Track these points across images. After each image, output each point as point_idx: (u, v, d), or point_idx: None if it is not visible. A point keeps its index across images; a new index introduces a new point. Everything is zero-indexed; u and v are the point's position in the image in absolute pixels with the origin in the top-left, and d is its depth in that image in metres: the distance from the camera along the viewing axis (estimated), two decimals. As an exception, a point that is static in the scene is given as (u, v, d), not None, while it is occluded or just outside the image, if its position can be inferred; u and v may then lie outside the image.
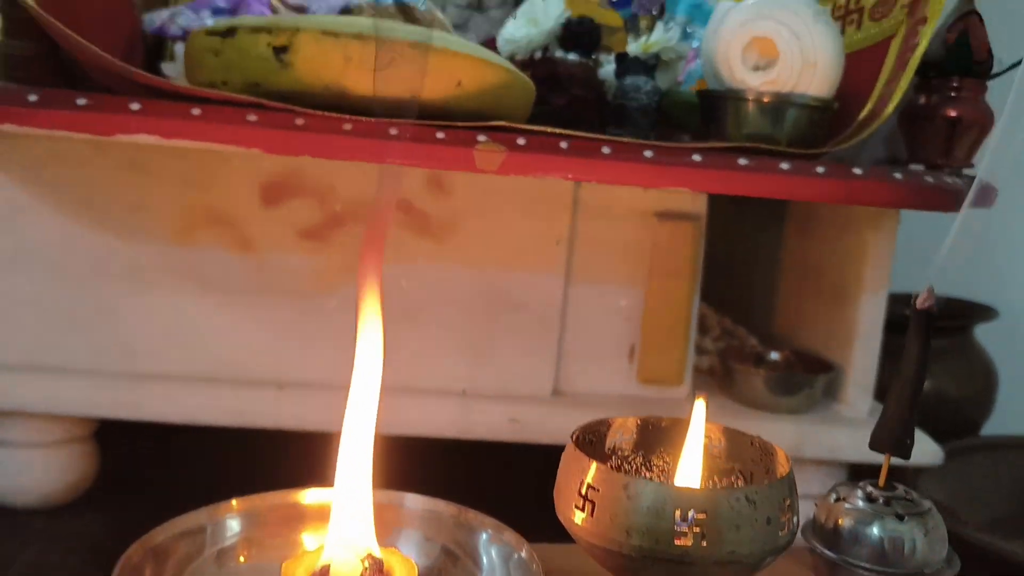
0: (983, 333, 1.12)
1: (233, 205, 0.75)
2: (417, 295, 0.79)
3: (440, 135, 0.60)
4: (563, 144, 0.62)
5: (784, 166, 0.63)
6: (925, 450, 0.83)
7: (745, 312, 1.08)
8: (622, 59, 0.76)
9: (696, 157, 0.62)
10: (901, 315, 1.06)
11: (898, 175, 0.64)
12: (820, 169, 0.63)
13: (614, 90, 0.73)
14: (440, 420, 0.78)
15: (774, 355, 0.92)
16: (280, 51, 0.60)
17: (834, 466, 0.84)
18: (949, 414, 1.08)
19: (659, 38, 0.77)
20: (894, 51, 0.72)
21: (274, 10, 0.81)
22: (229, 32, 0.61)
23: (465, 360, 0.80)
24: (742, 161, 0.62)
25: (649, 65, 0.75)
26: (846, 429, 0.83)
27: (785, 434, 0.82)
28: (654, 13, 1.02)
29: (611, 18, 0.89)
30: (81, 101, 0.58)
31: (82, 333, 0.76)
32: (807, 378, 0.84)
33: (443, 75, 0.61)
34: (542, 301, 0.80)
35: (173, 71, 0.76)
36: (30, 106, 0.57)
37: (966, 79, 0.76)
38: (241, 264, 0.76)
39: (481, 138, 0.60)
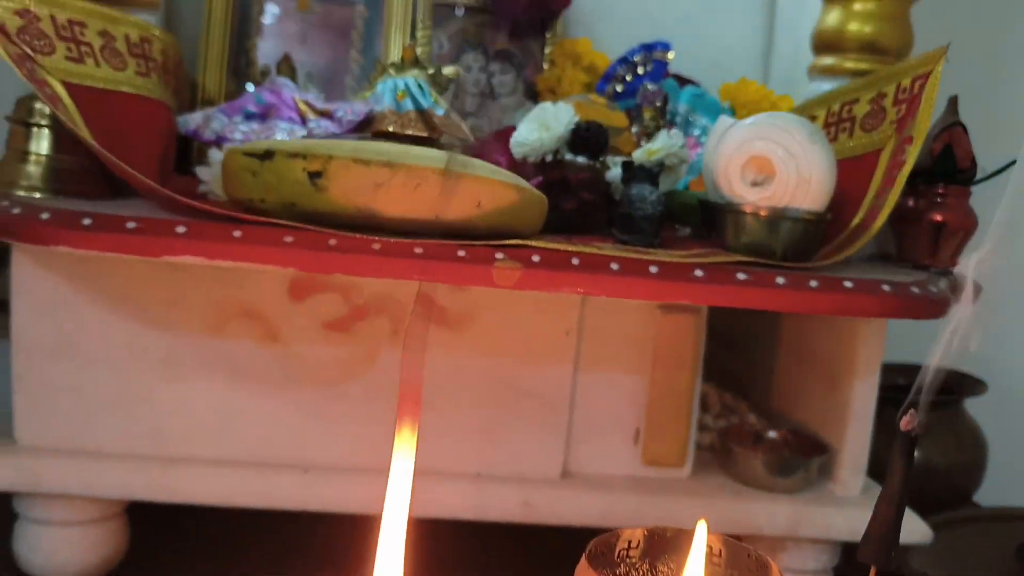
0: (973, 401, 1.17)
1: (263, 300, 0.80)
2: (434, 382, 0.83)
3: (461, 253, 0.65)
4: (574, 260, 0.66)
5: (780, 280, 0.67)
6: (914, 530, 0.87)
7: (745, 384, 1.13)
8: (628, 167, 0.81)
9: (698, 272, 0.67)
10: (894, 384, 1.12)
11: (886, 287, 0.69)
12: (813, 283, 0.68)
13: (621, 198, 0.78)
14: (455, 502, 0.83)
15: (772, 434, 0.96)
16: (315, 176, 0.65)
17: (828, 544, 0.88)
18: (940, 485, 1.12)
19: (663, 144, 0.83)
20: (883, 164, 0.77)
21: (302, 115, 0.86)
22: (267, 155, 0.66)
23: (479, 444, 0.85)
24: (740, 276, 0.67)
25: (653, 173, 0.80)
26: (840, 509, 0.87)
27: (781, 513, 0.86)
28: (658, 104, 1.08)
29: (617, 119, 0.94)
30: (131, 225, 0.63)
31: (119, 418, 0.81)
32: (803, 461, 0.88)
33: (464, 197, 0.66)
34: (552, 388, 0.85)
35: (208, 175, 0.81)
36: (84, 229, 0.62)
37: (951, 186, 0.81)
38: (270, 354, 0.81)
39: (499, 256, 0.65)
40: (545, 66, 1.17)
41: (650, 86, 1.08)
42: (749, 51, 1.25)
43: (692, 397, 0.87)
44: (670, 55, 1.10)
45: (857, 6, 0.90)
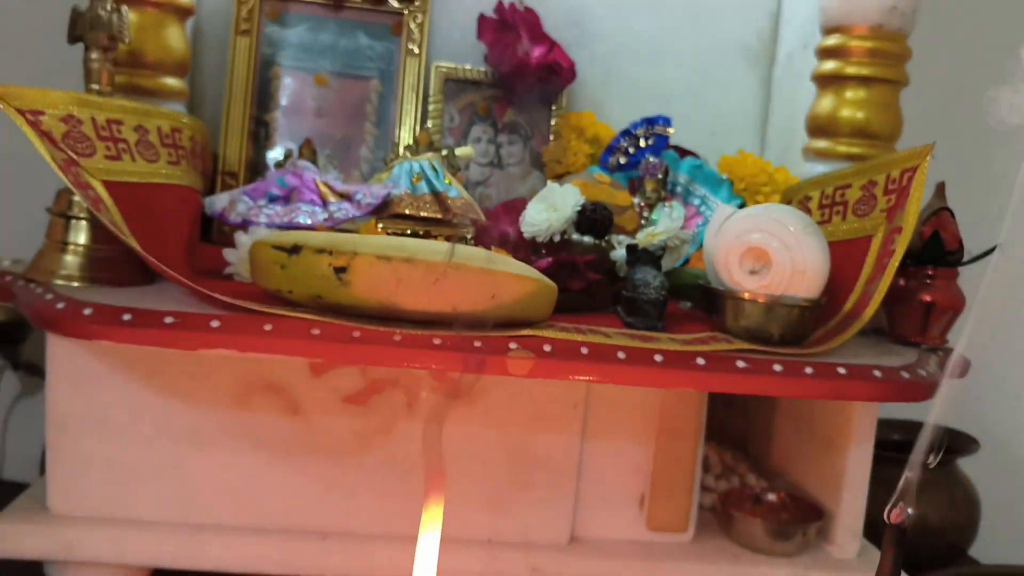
0: (966, 459, 1.20)
1: (285, 375, 0.84)
2: (446, 450, 0.87)
3: (477, 344, 0.69)
4: (584, 350, 0.71)
5: (777, 368, 0.72)
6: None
7: (744, 441, 1.17)
8: (632, 250, 0.85)
9: (700, 361, 0.72)
10: (889, 440, 1.15)
11: (878, 373, 0.73)
12: (809, 370, 0.72)
13: (626, 281, 0.83)
14: (466, 568, 0.86)
15: (771, 496, 1.00)
16: (340, 271, 0.69)
17: (825, 606, 0.92)
18: (934, 542, 1.15)
19: (665, 227, 0.87)
20: (874, 251, 0.82)
21: (323, 198, 0.91)
22: (295, 250, 0.71)
23: (490, 511, 0.88)
24: (740, 364, 0.72)
25: (656, 256, 0.84)
26: (837, 572, 0.91)
27: (780, 576, 0.90)
28: (659, 176, 1.12)
29: (621, 198, 0.99)
30: (168, 320, 0.67)
31: (148, 487, 0.85)
32: (801, 526, 0.92)
33: (480, 290, 0.70)
34: (560, 457, 0.89)
35: (234, 257, 0.86)
36: (124, 325, 0.66)
37: (940, 268, 0.86)
38: (291, 426, 0.85)
39: (512, 345, 0.70)
40: (551, 137, 1.22)
41: (652, 159, 1.13)
42: (746, 120, 1.30)
43: (695, 464, 0.91)
44: (670, 130, 1.15)
45: (849, 94, 0.95)
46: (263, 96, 1.17)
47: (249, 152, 1.16)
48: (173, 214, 0.82)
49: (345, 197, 0.92)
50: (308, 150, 0.95)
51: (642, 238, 0.87)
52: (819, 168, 0.97)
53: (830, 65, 0.96)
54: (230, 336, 0.67)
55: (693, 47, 1.28)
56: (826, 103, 0.97)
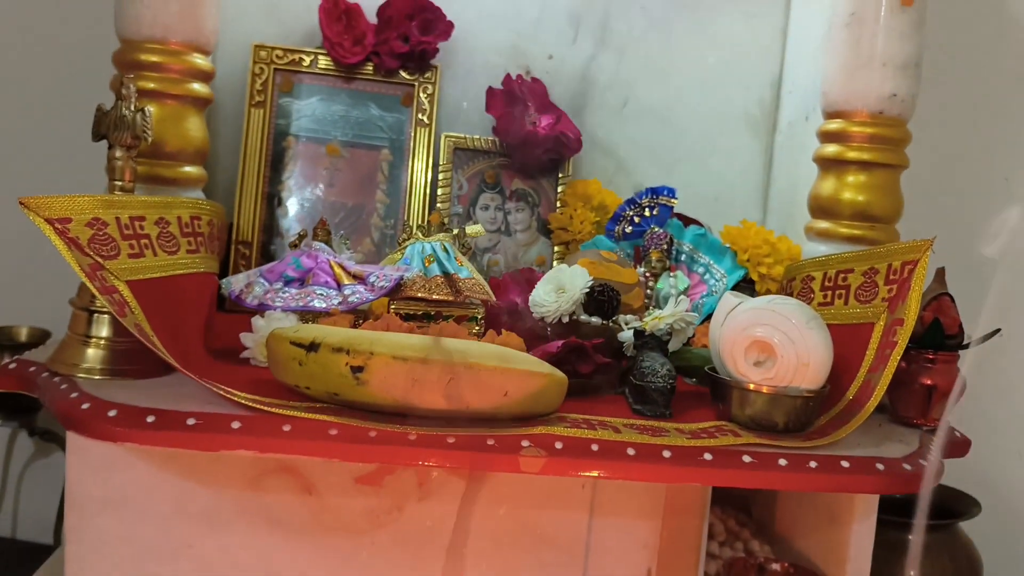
0: (968, 522, 1.22)
1: (299, 456, 0.85)
2: (458, 527, 0.89)
3: (490, 442, 0.71)
4: (594, 447, 0.73)
5: (782, 463, 0.74)
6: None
7: (749, 503, 1.18)
8: (640, 335, 0.87)
9: (707, 456, 0.73)
10: (891, 501, 1.16)
11: (880, 466, 0.75)
12: (813, 464, 0.74)
13: (634, 368, 0.85)
14: (476, 647, 0.88)
15: (775, 566, 1.01)
16: (357, 370, 0.71)
17: None
18: (938, 606, 1.17)
19: (671, 311, 0.89)
20: (875, 341, 0.84)
21: (338, 279, 0.93)
22: (312, 347, 0.73)
23: (499, 587, 0.90)
24: (746, 459, 0.74)
25: (663, 340, 0.86)
26: (841, 645, 0.92)
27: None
28: (664, 247, 1.15)
29: (627, 276, 1.01)
30: (191, 422, 0.69)
31: (165, 567, 0.86)
32: (805, 601, 0.94)
33: (493, 388, 0.72)
34: (569, 535, 0.90)
35: (251, 341, 0.88)
36: (148, 428, 0.68)
37: (940, 352, 0.88)
38: (305, 506, 0.87)
39: (525, 443, 0.72)
40: (558, 205, 1.24)
41: (656, 230, 1.16)
42: (749, 186, 1.33)
43: (701, 539, 0.93)
44: (674, 201, 1.17)
45: (850, 178, 0.97)
46: (276, 165, 1.20)
47: (263, 221, 1.18)
48: (192, 302, 0.85)
49: (359, 279, 0.94)
50: (323, 231, 0.97)
51: (649, 322, 0.90)
52: (821, 248, 0.99)
53: (831, 148, 0.99)
54: (251, 438, 0.69)
55: (697, 114, 1.30)
56: (828, 185, 0.99)
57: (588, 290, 0.93)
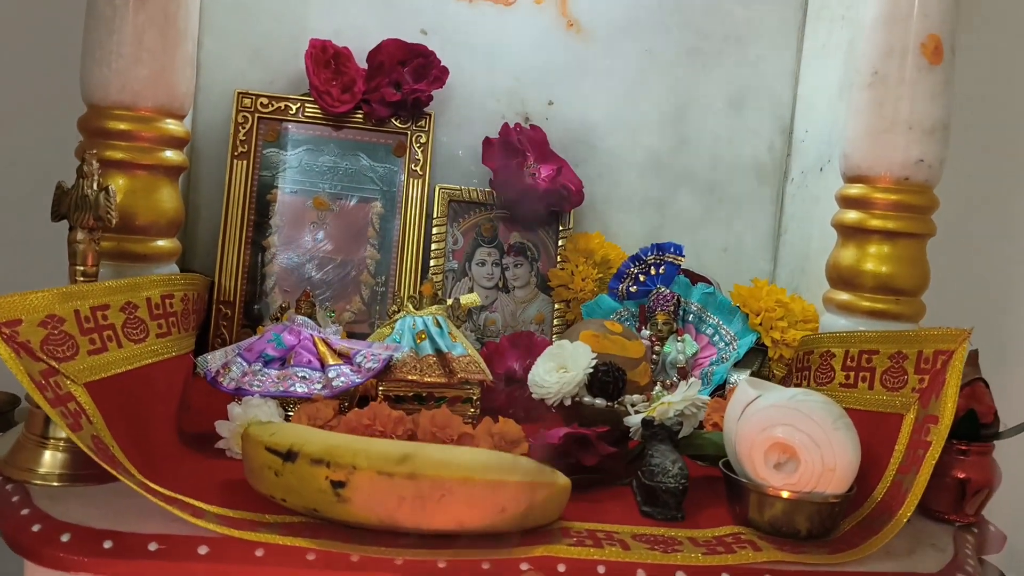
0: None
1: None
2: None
3: (485, 566, 0.64)
4: (600, 568, 0.66)
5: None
6: None
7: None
8: (649, 425, 0.81)
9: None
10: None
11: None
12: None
13: (644, 467, 0.78)
14: None
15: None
16: (338, 485, 0.65)
17: None
18: None
19: (681, 396, 0.82)
20: (905, 434, 0.77)
21: (321, 358, 0.86)
22: (290, 456, 0.66)
23: None
24: (768, 583, 0.67)
25: (674, 431, 0.80)
26: None
27: None
28: (670, 309, 1.08)
29: (634, 349, 0.94)
30: (153, 547, 0.62)
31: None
32: None
33: (488, 504, 0.66)
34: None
35: (227, 431, 0.81)
36: (105, 555, 0.61)
37: (974, 443, 0.81)
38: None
39: (524, 567, 0.65)
40: (558, 259, 1.18)
41: (663, 289, 1.09)
42: (759, 237, 1.26)
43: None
44: (681, 259, 1.10)
45: (873, 248, 0.91)
46: (261, 220, 1.13)
47: (246, 279, 1.12)
48: (161, 393, 0.78)
49: (345, 357, 0.87)
50: (306, 303, 0.90)
51: (657, 408, 0.83)
52: (841, 322, 0.93)
53: (853, 215, 0.92)
54: (220, 565, 0.62)
55: (703, 163, 1.24)
56: (848, 254, 0.92)
57: (592, 370, 0.87)
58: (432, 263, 1.15)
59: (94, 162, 0.73)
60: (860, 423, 0.78)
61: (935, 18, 0.86)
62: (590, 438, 0.82)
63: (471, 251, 1.17)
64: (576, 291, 1.15)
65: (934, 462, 0.72)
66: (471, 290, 1.16)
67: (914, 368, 0.79)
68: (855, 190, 0.92)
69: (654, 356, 1.07)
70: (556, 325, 1.17)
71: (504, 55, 1.20)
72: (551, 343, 1.08)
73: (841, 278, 0.93)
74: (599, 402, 0.87)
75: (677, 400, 0.83)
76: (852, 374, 0.86)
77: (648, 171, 1.24)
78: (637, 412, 0.87)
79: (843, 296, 0.93)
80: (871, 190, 0.90)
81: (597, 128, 1.22)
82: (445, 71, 1.15)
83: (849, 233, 0.93)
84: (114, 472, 0.65)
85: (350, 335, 1.09)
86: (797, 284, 1.18)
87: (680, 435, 0.84)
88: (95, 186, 0.73)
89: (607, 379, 0.87)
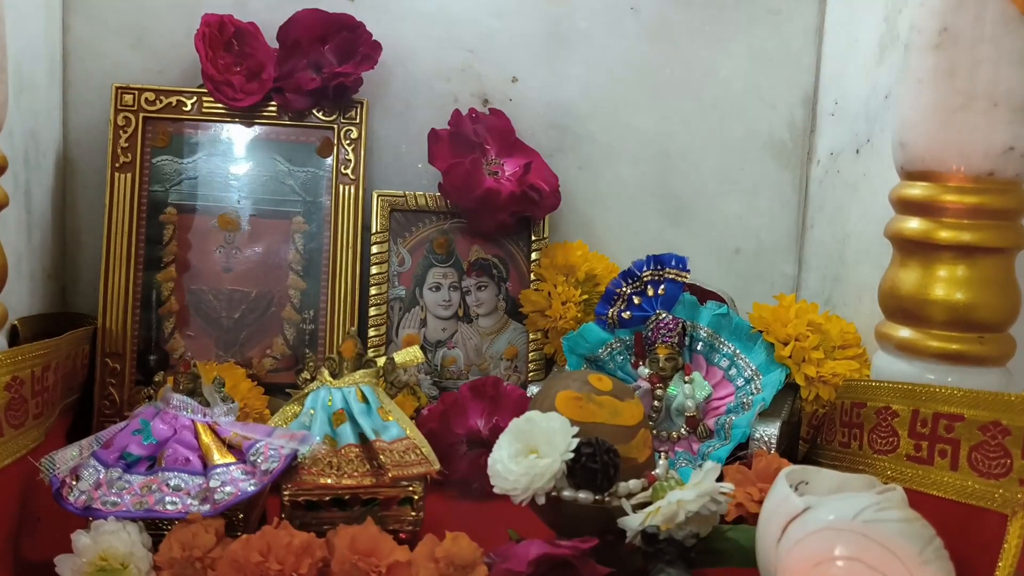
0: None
1: None
2: None
3: None
4: None
5: None
6: None
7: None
8: (652, 540, 0.58)
9: None
10: None
11: None
12: None
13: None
14: None
15: None
16: None
17: None
18: None
19: (696, 491, 0.60)
20: (1014, 544, 0.55)
21: (204, 456, 0.63)
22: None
23: None
24: None
25: (687, 547, 0.58)
26: None
27: None
28: (674, 340, 0.85)
29: (628, 412, 0.70)
30: None
31: None
32: None
33: None
34: None
35: (70, 570, 0.58)
36: None
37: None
38: None
39: None
40: (531, 278, 0.94)
41: (664, 315, 0.86)
42: (778, 234, 1.03)
43: None
44: (686, 275, 0.87)
45: (943, 270, 0.67)
46: (153, 248, 0.89)
47: (138, 324, 0.88)
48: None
49: (236, 449, 0.65)
50: (186, 376, 0.67)
51: (663, 511, 0.60)
52: (900, 366, 0.70)
53: (915, 225, 0.68)
54: None
55: (707, 144, 1.00)
56: (910, 277, 0.69)
57: (575, 451, 0.64)
58: (372, 291, 0.91)
59: None
60: (940, 517, 0.56)
61: (1025, -49, 0.62)
62: (572, 562, 0.59)
63: (422, 273, 0.94)
64: (555, 318, 0.92)
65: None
66: (423, 322, 0.93)
67: (1022, 449, 0.57)
68: (917, 190, 0.68)
69: (655, 403, 0.84)
70: (532, 360, 0.94)
71: (455, 22, 0.96)
72: (523, 393, 0.86)
73: (901, 308, 0.70)
74: (584, 496, 0.64)
75: (690, 498, 0.60)
76: (925, 445, 0.64)
77: (640, 159, 1.00)
78: (635, 506, 0.64)
79: (903, 332, 0.70)
80: (940, 190, 0.67)
81: (574, 108, 0.98)
82: (378, 47, 0.91)
83: (910, 248, 0.69)
84: None
85: (271, 387, 0.87)
86: (829, 294, 0.94)
87: (699, 534, 0.62)
88: None
89: (593, 465, 0.64)
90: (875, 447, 0.69)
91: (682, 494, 0.61)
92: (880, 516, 0.52)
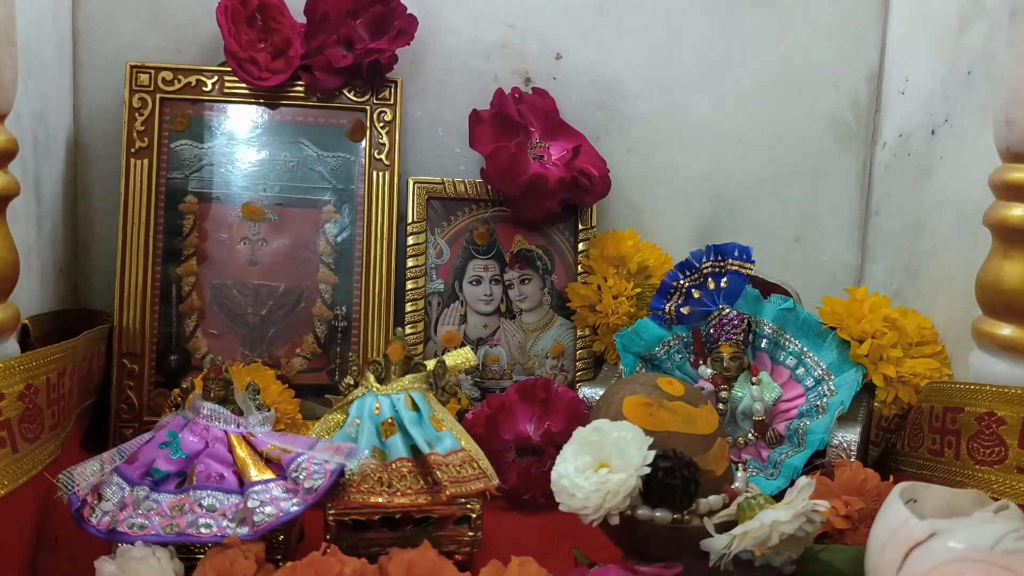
0: None
1: None
2: None
3: None
4: None
5: None
6: None
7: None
8: (747, 567, 0.52)
9: None
10: None
11: None
12: None
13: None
14: None
15: None
16: None
17: None
18: None
19: (791, 512, 0.54)
20: None
21: (241, 471, 0.57)
22: None
23: None
24: None
25: (784, 573, 0.51)
26: None
27: None
28: (738, 338, 0.78)
29: (703, 421, 0.64)
30: None
31: None
32: None
33: None
34: None
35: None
36: None
37: None
38: None
39: None
40: (579, 270, 0.88)
41: (727, 311, 0.79)
42: (840, 220, 0.96)
43: None
44: (750, 266, 0.80)
45: (1057, 263, 0.61)
46: (172, 240, 0.83)
47: (157, 323, 0.82)
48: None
49: (275, 464, 0.58)
50: (217, 382, 0.60)
51: (752, 534, 0.54)
52: (1001, 367, 0.63)
53: (1020, 212, 0.61)
54: None
55: (764, 126, 0.93)
56: (1015, 270, 0.62)
57: (650, 466, 0.57)
58: (409, 285, 0.85)
59: None
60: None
61: None
62: (653, 590, 0.53)
63: (461, 265, 0.87)
64: (606, 314, 0.85)
65: None
66: (463, 318, 0.86)
67: None
68: (1023, 174, 0.61)
69: (719, 406, 0.77)
70: (580, 359, 0.88)
71: (494, -7, 0.89)
72: (576, 395, 0.79)
73: (1005, 304, 0.63)
74: (661, 515, 0.58)
75: (786, 519, 0.54)
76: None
77: (690, 143, 0.93)
78: (718, 525, 0.58)
79: (1006, 331, 0.63)
80: (1052, 173, 0.60)
81: (623, 87, 0.91)
82: (413, 21, 0.84)
83: (1014, 238, 0.63)
84: None
85: (302, 389, 0.81)
86: (899, 286, 0.88)
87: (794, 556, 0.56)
88: None
89: (673, 481, 0.57)
90: (976, 457, 0.62)
91: (776, 515, 0.54)
92: (1015, 542, 0.45)
